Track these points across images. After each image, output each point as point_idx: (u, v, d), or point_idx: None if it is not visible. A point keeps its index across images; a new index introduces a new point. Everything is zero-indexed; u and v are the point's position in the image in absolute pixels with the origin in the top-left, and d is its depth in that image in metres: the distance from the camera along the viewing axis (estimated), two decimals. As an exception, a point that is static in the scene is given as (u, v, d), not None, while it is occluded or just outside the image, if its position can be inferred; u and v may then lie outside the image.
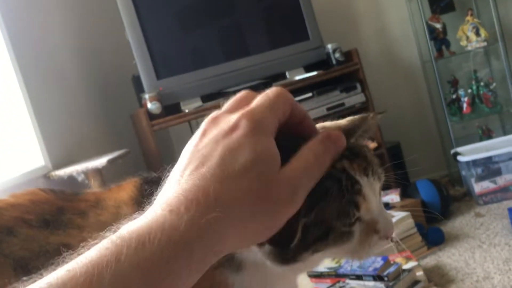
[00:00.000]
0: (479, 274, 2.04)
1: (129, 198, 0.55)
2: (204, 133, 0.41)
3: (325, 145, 0.42)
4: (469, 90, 3.19)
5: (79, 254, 0.34)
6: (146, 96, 2.55)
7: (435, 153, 3.36)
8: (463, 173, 2.91)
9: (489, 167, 2.78)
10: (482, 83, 3.17)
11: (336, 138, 0.43)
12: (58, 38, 2.69)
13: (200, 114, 2.55)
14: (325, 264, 2.12)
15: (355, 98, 2.81)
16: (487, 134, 3.22)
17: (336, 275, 2.02)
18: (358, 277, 1.95)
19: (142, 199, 0.50)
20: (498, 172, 2.76)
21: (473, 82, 3.19)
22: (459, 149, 2.95)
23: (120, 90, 2.95)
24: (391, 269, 1.91)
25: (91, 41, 2.88)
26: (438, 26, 3.14)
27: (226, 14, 2.88)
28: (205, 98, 2.69)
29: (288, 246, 0.42)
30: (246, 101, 0.42)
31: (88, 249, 0.34)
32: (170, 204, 0.36)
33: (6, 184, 2.07)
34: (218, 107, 0.44)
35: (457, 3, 3.26)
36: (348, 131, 0.47)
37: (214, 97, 2.67)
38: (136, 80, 2.71)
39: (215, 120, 0.41)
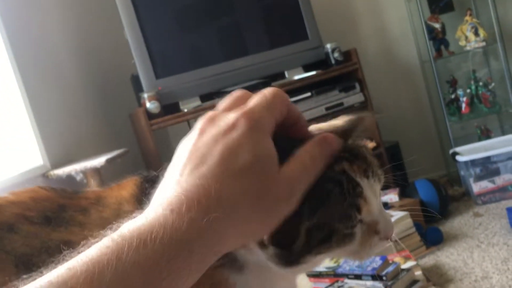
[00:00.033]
0: (477, 274, 2.04)
1: (131, 196, 0.55)
2: (202, 132, 0.40)
3: (321, 147, 0.42)
4: (468, 90, 3.19)
5: (79, 253, 0.34)
6: (145, 95, 2.55)
7: (433, 153, 3.37)
8: (462, 173, 2.91)
9: (487, 167, 2.78)
10: (481, 83, 3.17)
11: (332, 140, 0.43)
12: (57, 37, 2.69)
13: (199, 113, 2.54)
14: (324, 263, 2.12)
15: (354, 97, 2.81)
16: (485, 134, 3.23)
17: (334, 274, 2.02)
18: (357, 277, 1.95)
19: (143, 197, 0.51)
20: (497, 172, 2.77)
21: (472, 82, 3.19)
22: (457, 149, 2.95)
23: (119, 90, 2.95)
24: (390, 268, 1.91)
25: (90, 40, 2.88)
26: (437, 26, 3.15)
27: (225, 14, 2.88)
28: (204, 98, 2.69)
29: (292, 250, 0.42)
30: (242, 100, 0.42)
31: (89, 247, 0.34)
32: (171, 204, 0.36)
33: (5, 183, 2.07)
34: (215, 107, 0.44)
35: (456, 3, 3.27)
36: (345, 132, 0.48)
37: (213, 97, 2.67)
38: (135, 80, 2.71)
39: (212, 119, 0.41)
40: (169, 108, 2.60)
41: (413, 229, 2.35)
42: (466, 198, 2.90)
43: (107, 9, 2.77)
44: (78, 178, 2.28)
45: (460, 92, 3.17)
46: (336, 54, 2.86)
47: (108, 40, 2.92)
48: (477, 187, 2.78)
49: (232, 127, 0.39)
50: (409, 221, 2.35)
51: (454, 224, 2.61)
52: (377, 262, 1.95)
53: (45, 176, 2.28)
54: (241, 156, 0.38)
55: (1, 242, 0.50)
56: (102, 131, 2.83)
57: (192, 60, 2.78)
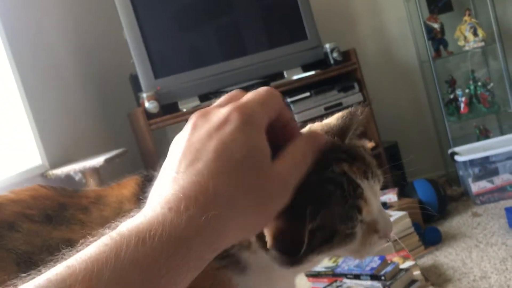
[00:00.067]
0: (476, 274, 2.05)
1: (132, 194, 0.55)
2: (194, 127, 0.40)
3: (309, 143, 0.43)
4: (467, 90, 3.20)
5: (78, 251, 0.34)
6: (144, 95, 2.55)
7: (432, 153, 3.37)
8: (461, 173, 2.91)
9: (486, 167, 2.78)
10: (479, 83, 3.17)
11: (319, 137, 0.44)
12: (56, 37, 2.69)
13: (197, 113, 2.55)
14: (323, 263, 2.12)
15: (353, 97, 2.81)
16: (484, 134, 3.23)
17: (333, 274, 2.02)
18: (356, 276, 1.95)
19: (144, 195, 0.51)
20: (495, 172, 2.77)
21: (471, 82, 3.19)
22: (456, 149, 2.96)
23: (118, 89, 2.95)
24: (388, 268, 1.91)
25: (88, 40, 2.88)
26: (436, 26, 3.15)
27: (224, 14, 2.88)
28: (203, 98, 2.69)
29: (296, 252, 0.43)
30: (236, 98, 0.42)
31: (88, 246, 0.34)
32: (169, 202, 0.36)
33: (3, 183, 2.07)
34: (213, 103, 0.44)
35: (455, 3, 3.27)
36: (341, 131, 0.49)
37: (211, 97, 2.66)
38: (134, 79, 2.71)
39: (205, 114, 0.41)
40: (168, 108, 2.60)
41: (412, 229, 2.35)
42: (464, 198, 2.90)
43: (106, 9, 2.77)
44: (77, 178, 2.28)
45: (459, 92, 3.17)
46: (335, 54, 2.86)
47: (107, 40, 2.92)
48: (475, 187, 2.78)
49: (225, 121, 0.39)
50: (407, 221, 2.35)
51: (453, 224, 2.61)
52: (376, 262, 1.96)
53: (43, 176, 2.28)
54: (235, 150, 0.38)
55: (1, 240, 0.50)
56: (101, 131, 2.83)
57: (191, 60, 2.78)
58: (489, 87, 3.15)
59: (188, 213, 0.35)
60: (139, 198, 0.53)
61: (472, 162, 2.78)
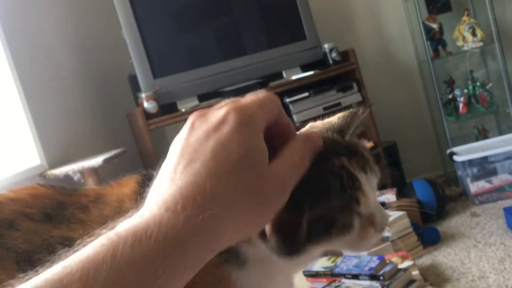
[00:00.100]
0: (474, 274, 2.05)
1: (132, 193, 0.55)
2: (192, 127, 0.41)
3: (306, 145, 0.43)
4: (465, 90, 3.20)
5: (75, 251, 0.34)
6: (143, 95, 2.55)
7: (431, 153, 3.37)
8: (459, 173, 2.91)
9: (485, 167, 2.79)
10: (478, 83, 3.18)
11: (316, 139, 0.44)
12: (55, 37, 2.69)
13: (196, 113, 2.55)
14: (321, 263, 2.12)
15: (352, 97, 2.82)
16: (483, 134, 3.23)
17: (332, 274, 2.03)
18: (354, 276, 1.95)
19: (144, 194, 0.51)
20: (494, 172, 2.77)
21: (469, 82, 3.20)
22: (455, 149, 2.96)
23: (117, 89, 2.95)
24: (387, 268, 1.91)
25: (87, 40, 2.88)
26: (434, 26, 3.15)
27: (223, 14, 2.88)
28: (202, 98, 2.69)
29: (294, 239, 0.44)
30: (234, 100, 0.42)
31: (84, 246, 0.34)
32: (166, 202, 0.36)
33: (2, 183, 2.07)
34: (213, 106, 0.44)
35: (454, 3, 3.27)
36: (341, 129, 0.50)
37: (210, 97, 2.67)
38: (133, 79, 2.71)
39: (203, 115, 0.41)
40: (167, 108, 2.60)
41: (410, 229, 2.36)
42: (463, 198, 2.91)
43: (105, 9, 2.77)
44: (76, 178, 2.28)
45: (457, 92, 3.18)
46: (334, 54, 2.86)
47: (106, 40, 2.92)
48: (474, 187, 2.78)
49: (222, 121, 0.39)
50: (406, 221, 2.35)
51: (451, 224, 2.61)
52: (374, 262, 1.96)
53: (42, 176, 2.28)
54: (232, 151, 0.38)
55: (1, 239, 0.50)
56: (100, 131, 2.83)
57: (190, 60, 2.78)
58: (487, 87, 3.16)
59: (185, 213, 0.35)
60: (140, 196, 0.53)
61: (470, 162, 2.79)
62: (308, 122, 0.55)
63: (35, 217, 0.52)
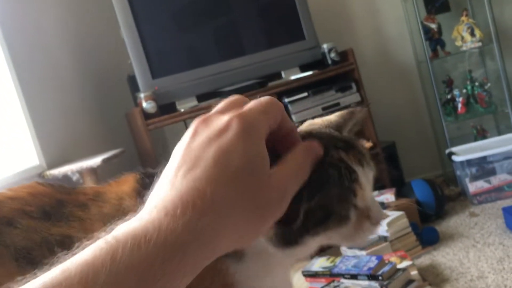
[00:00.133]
0: (473, 274, 2.05)
1: (131, 190, 0.55)
2: (195, 133, 0.40)
3: (307, 155, 0.43)
4: (464, 90, 3.20)
5: (73, 254, 0.34)
6: (142, 95, 2.54)
7: (430, 153, 3.38)
8: (458, 173, 2.92)
9: (483, 167, 2.79)
10: (477, 83, 3.18)
11: (316, 148, 0.45)
12: (53, 37, 2.69)
13: (195, 113, 2.55)
14: (320, 263, 2.12)
15: (351, 98, 2.82)
16: (481, 134, 3.24)
17: (330, 274, 2.03)
18: (353, 276, 1.95)
19: (144, 192, 0.52)
20: (493, 172, 2.78)
21: (468, 82, 3.20)
22: (453, 149, 2.96)
23: (115, 89, 2.94)
24: (386, 268, 1.91)
25: (86, 40, 2.88)
26: (433, 26, 3.15)
27: (221, 14, 2.88)
28: (201, 98, 2.68)
29: (291, 229, 0.45)
30: (237, 104, 0.42)
31: (83, 249, 0.34)
32: (165, 207, 0.36)
33: (1, 183, 2.06)
34: (213, 106, 0.44)
35: (452, 4, 3.28)
36: (338, 126, 0.52)
37: (209, 97, 2.67)
38: (132, 79, 2.70)
39: (206, 120, 0.41)
40: (166, 108, 2.60)
41: (409, 229, 2.36)
42: (462, 198, 2.91)
43: (103, 9, 2.77)
44: (74, 178, 2.28)
45: (456, 92, 3.18)
46: (332, 54, 2.86)
47: (105, 39, 2.92)
48: (473, 187, 2.78)
49: (225, 128, 0.39)
50: (405, 221, 2.35)
51: (450, 224, 2.62)
52: (373, 262, 1.96)
53: (41, 176, 2.28)
54: (234, 158, 0.38)
55: (0, 236, 0.50)
56: (99, 131, 2.83)
57: (188, 60, 2.78)
58: (486, 87, 3.16)
59: (185, 218, 0.35)
60: (140, 194, 0.54)
61: (469, 162, 2.79)
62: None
63: (34, 214, 0.53)
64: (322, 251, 2.45)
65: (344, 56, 2.89)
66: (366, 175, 0.50)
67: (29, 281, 0.33)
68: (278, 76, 2.84)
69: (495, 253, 2.17)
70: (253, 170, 0.38)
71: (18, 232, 0.51)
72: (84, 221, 0.53)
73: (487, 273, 2.03)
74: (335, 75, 2.84)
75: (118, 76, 2.87)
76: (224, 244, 0.37)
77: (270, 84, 2.75)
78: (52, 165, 2.34)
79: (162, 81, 2.62)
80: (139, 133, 2.63)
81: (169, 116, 2.56)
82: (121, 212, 0.53)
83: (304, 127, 0.54)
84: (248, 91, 2.62)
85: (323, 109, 2.75)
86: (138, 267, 0.33)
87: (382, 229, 2.30)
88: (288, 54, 2.83)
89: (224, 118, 0.40)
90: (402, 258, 2.11)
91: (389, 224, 2.30)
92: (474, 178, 2.79)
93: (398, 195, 2.68)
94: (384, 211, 2.45)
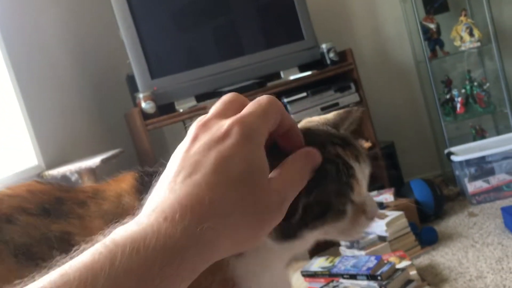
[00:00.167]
0: (472, 273, 2.05)
1: (131, 187, 0.56)
2: (195, 138, 0.40)
3: (306, 161, 0.44)
4: (463, 90, 3.21)
5: (72, 258, 0.34)
6: (140, 95, 2.54)
7: (429, 153, 3.38)
8: (457, 172, 2.92)
9: (482, 167, 2.79)
10: (475, 83, 3.18)
11: (315, 155, 0.45)
12: (52, 37, 2.68)
13: (194, 113, 2.55)
14: (319, 263, 2.12)
15: (349, 98, 2.82)
16: (480, 134, 3.24)
17: (329, 274, 2.03)
18: (352, 276, 1.95)
19: (143, 189, 0.52)
20: (491, 172, 2.78)
21: (467, 82, 3.20)
22: (452, 149, 2.96)
23: (114, 90, 2.94)
24: (385, 268, 1.92)
25: (85, 40, 2.87)
26: (432, 26, 3.16)
27: (220, 14, 2.88)
28: (200, 98, 2.68)
29: (290, 223, 0.45)
30: (235, 105, 0.42)
31: (81, 253, 0.34)
32: (164, 211, 0.36)
33: (-1, 183, 2.06)
34: (209, 107, 0.44)
35: (451, 4, 3.28)
36: (336, 124, 0.54)
37: (208, 97, 2.67)
38: (130, 80, 2.70)
39: (205, 125, 0.41)
40: (165, 108, 2.59)
41: (408, 229, 2.36)
42: (461, 198, 2.91)
43: (102, 9, 2.76)
44: (73, 178, 2.28)
45: (455, 92, 3.18)
46: (331, 54, 2.86)
47: (104, 40, 2.91)
48: (472, 187, 2.79)
49: (225, 134, 0.39)
50: (404, 221, 2.36)
51: (449, 224, 2.62)
52: (372, 261, 1.96)
53: (40, 176, 2.27)
54: (234, 165, 0.38)
55: None
56: (97, 131, 2.83)
57: (187, 60, 2.78)
58: (485, 87, 3.16)
59: (183, 223, 0.35)
60: (139, 191, 0.54)
61: (468, 162, 2.79)
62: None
63: (33, 211, 0.53)
64: (321, 251, 2.45)
65: (343, 56, 2.89)
66: (362, 171, 0.51)
67: (27, 284, 0.33)
68: (277, 76, 2.84)
69: (494, 253, 2.17)
70: (253, 176, 0.38)
71: (17, 228, 0.51)
72: (84, 218, 0.53)
73: (486, 273, 2.03)
74: (334, 75, 2.84)
75: (117, 76, 2.87)
76: (223, 249, 0.38)
77: (269, 84, 2.75)
78: (51, 165, 2.34)
79: (161, 81, 2.62)
80: (138, 134, 2.63)
81: (168, 117, 2.55)
82: (120, 209, 0.53)
83: (302, 124, 0.55)
84: (247, 91, 2.62)
85: (322, 109, 2.75)
86: (137, 271, 0.33)
87: (381, 229, 2.31)
88: (287, 54, 2.83)
89: (224, 124, 0.40)
90: (401, 258, 2.11)
91: (388, 224, 2.30)
92: (473, 178, 2.79)
93: (397, 195, 2.68)
94: (383, 211, 2.45)
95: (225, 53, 2.79)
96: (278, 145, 0.44)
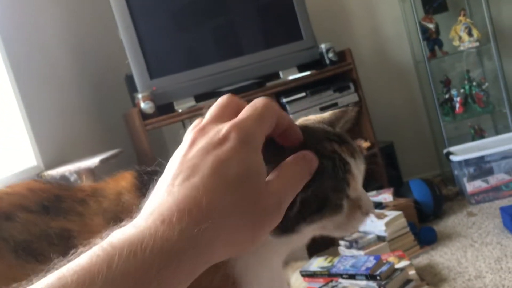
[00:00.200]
0: (471, 273, 2.05)
1: (130, 185, 0.56)
2: (193, 142, 0.41)
3: (303, 163, 0.44)
4: (462, 90, 3.21)
5: (69, 261, 0.34)
6: (139, 95, 2.54)
7: (428, 153, 3.38)
8: (456, 172, 2.92)
9: (481, 167, 2.79)
10: (474, 83, 3.19)
11: (311, 158, 0.46)
12: (51, 37, 2.68)
13: (193, 113, 2.55)
14: (318, 263, 2.12)
15: (348, 98, 2.82)
16: (479, 134, 3.24)
17: (329, 274, 2.03)
18: (351, 276, 1.95)
19: (143, 187, 0.53)
20: (490, 172, 2.78)
21: (466, 82, 3.21)
22: (451, 149, 2.97)
23: (113, 90, 2.94)
24: (384, 268, 1.92)
25: (84, 40, 2.87)
26: (431, 26, 3.16)
27: (219, 14, 2.88)
28: (199, 98, 2.68)
29: (287, 218, 0.46)
30: (230, 108, 0.43)
31: (78, 256, 0.34)
32: (162, 214, 0.36)
33: (-2, 184, 2.06)
34: (205, 109, 0.44)
35: (450, 3, 3.28)
36: (331, 122, 0.56)
37: (207, 97, 2.67)
38: (129, 80, 2.70)
39: (203, 130, 0.42)
40: (164, 108, 2.59)
41: (407, 229, 2.36)
42: (460, 198, 2.91)
43: (101, 9, 2.76)
44: (72, 178, 2.27)
45: (454, 92, 3.19)
46: (330, 54, 2.86)
47: (102, 40, 2.91)
48: (470, 186, 2.79)
49: (223, 139, 0.40)
50: (403, 221, 2.36)
51: (448, 223, 2.62)
52: (371, 261, 1.96)
53: (39, 177, 2.27)
54: (232, 169, 0.38)
55: None
56: (96, 131, 2.83)
57: (186, 60, 2.78)
58: (484, 87, 3.16)
59: (181, 226, 0.35)
60: (138, 189, 0.55)
61: (467, 162, 2.79)
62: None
63: (33, 208, 0.53)
64: (320, 251, 2.46)
65: (342, 56, 2.89)
66: (358, 167, 0.52)
67: (25, 287, 0.33)
68: (276, 76, 2.84)
69: (493, 252, 2.17)
70: (250, 179, 0.39)
71: (16, 226, 0.51)
72: (84, 216, 0.53)
73: (484, 272, 2.03)
74: (333, 75, 2.85)
75: (116, 76, 2.87)
76: (220, 252, 0.38)
77: (268, 84, 2.76)
78: (49, 165, 2.34)
79: (160, 82, 2.62)
80: (137, 134, 2.63)
81: (167, 117, 2.55)
82: (120, 207, 0.54)
83: (299, 122, 0.56)
84: (246, 91, 2.62)
85: (321, 109, 2.75)
86: (134, 274, 0.33)
87: (380, 229, 2.31)
88: (286, 54, 2.83)
89: (222, 128, 0.41)
90: (400, 258, 2.11)
91: (387, 224, 2.30)
92: (472, 177, 2.79)
93: (396, 195, 2.68)
94: (382, 210, 2.45)
95: (224, 53, 2.79)
96: (275, 142, 0.45)
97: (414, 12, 3.10)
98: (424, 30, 3.15)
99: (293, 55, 2.85)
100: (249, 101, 0.44)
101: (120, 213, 0.53)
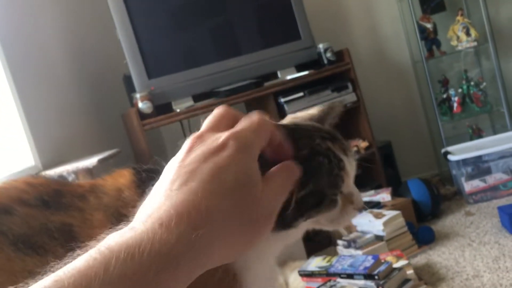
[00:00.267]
0: (469, 273, 2.06)
1: (130, 182, 0.57)
2: (190, 149, 0.42)
3: (286, 174, 0.46)
4: (460, 90, 3.21)
5: (66, 264, 0.34)
6: (137, 95, 2.54)
7: (426, 152, 3.38)
8: (454, 172, 2.92)
9: (479, 166, 2.80)
10: (472, 83, 3.19)
11: (293, 168, 0.47)
12: (49, 37, 2.68)
13: (191, 113, 2.55)
14: (316, 263, 2.13)
15: (347, 97, 2.82)
16: (477, 134, 3.25)
17: (327, 274, 2.03)
18: (349, 276, 1.96)
19: (142, 184, 0.54)
20: (488, 171, 2.79)
21: (464, 82, 3.21)
22: (449, 148, 2.97)
23: (111, 90, 2.94)
24: (382, 267, 1.92)
25: (82, 40, 2.87)
26: (428, 26, 3.16)
27: (217, 14, 2.88)
28: (197, 98, 2.68)
29: (286, 214, 0.48)
30: (227, 119, 0.45)
31: (75, 258, 0.34)
32: (160, 218, 0.36)
33: (-4, 184, 2.05)
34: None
35: (448, 3, 3.28)
36: (320, 119, 0.58)
37: (205, 97, 2.67)
38: (127, 80, 2.70)
39: (201, 137, 0.43)
40: (162, 108, 2.59)
41: (405, 228, 2.37)
42: (457, 197, 2.92)
43: (99, 9, 2.76)
44: (70, 178, 2.27)
45: (451, 91, 3.19)
46: (328, 54, 2.86)
47: (100, 40, 2.91)
48: (468, 186, 2.79)
49: (221, 146, 0.41)
50: (401, 220, 2.36)
51: (446, 223, 2.62)
52: (369, 261, 1.96)
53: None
54: (230, 175, 0.39)
55: None
56: (94, 131, 2.82)
57: (184, 60, 2.77)
58: (481, 86, 3.17)
59: (179, 229, 0.35)
60: (137, 186, 0.55)
61: (465, 162, 2.80)
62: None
63: (32, 202, 0.53)
64: (318, 251, 2.46)
65: (340, 56, 2.90)
66: (350, 164, 0.54)
67: None
68: (274, 76, 2.84)
69: (491, 252, 2.18)
70: (247, 188, 0.40)
71: (16, 219, 0.51)
72: (84, 211, 0.54)
73: (482, 272, 2.03)
74: (331, 75, 2.85)
75: (114, 76, 2.87)
76: (217, 256, 0.38)
77: (266, 84, 2.76)
78: (47, 165, 2.34)
79: (158, 81, 2.62)
80: (135, 134, 2.62)
81: (165, 116, 2.55)
82: (121, 202, 0.54)
83: (287, 120, 0.58)
84: (244, 91, 2.62)
85: (319, 109, 2.74)
86: (132, 277, 0.33)
87: (378, 229, 2.31)
88: (284, 54, 2.83)
89: (220, 137, 0.42)
90: (398, 257, 2.11)
91: (385, 224, 2.30)
92: (470, 177, 2.80)
93: (394, 194, 2.69)
94: (380, 210, 2.45)
95: (222, 53, 2.79)
96: (263, 157, 0.47)
97: (412, 11, 3.10)
98: (422, 30, 3.15)
99: (291, 55, 2.85)
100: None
101: (121, 208, 0.53)
